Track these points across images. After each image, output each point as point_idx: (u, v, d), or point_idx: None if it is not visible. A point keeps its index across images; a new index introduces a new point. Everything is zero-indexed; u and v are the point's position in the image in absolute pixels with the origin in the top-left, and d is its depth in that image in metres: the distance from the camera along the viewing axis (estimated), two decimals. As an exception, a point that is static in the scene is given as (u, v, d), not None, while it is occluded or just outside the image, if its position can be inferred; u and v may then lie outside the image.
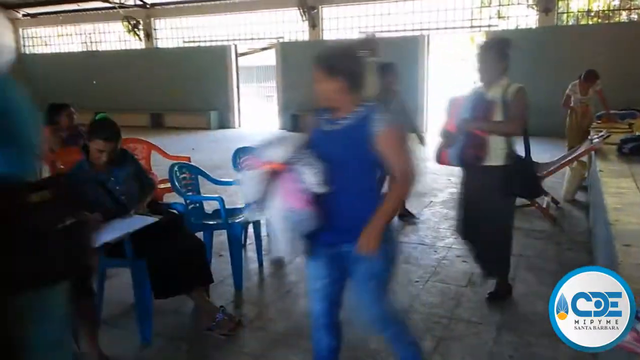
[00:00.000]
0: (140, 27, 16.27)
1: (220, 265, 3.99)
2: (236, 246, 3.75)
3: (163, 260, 2.93)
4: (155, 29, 16.58)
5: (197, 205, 3.98)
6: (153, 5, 15.93)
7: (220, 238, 4.15)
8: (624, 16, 12.17)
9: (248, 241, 4.54)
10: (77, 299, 2.48)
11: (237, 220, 3.83)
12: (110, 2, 15.24)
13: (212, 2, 15.23)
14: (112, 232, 2.83)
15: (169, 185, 4.02)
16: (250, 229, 4.35)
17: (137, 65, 16.26)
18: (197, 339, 3.05)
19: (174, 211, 3.43)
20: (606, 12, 12.32)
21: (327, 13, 14.32)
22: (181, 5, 15.73)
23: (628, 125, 5.68)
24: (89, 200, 3.00)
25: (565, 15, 12.41)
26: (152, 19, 16.40)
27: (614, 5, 12.26)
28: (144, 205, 3.22)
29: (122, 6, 15.50)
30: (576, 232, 4.89)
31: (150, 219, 3.00)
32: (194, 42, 16.15)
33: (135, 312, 3.09)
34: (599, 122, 6.78)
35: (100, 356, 2.55)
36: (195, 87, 15.43)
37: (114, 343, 2.97)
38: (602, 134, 4.97)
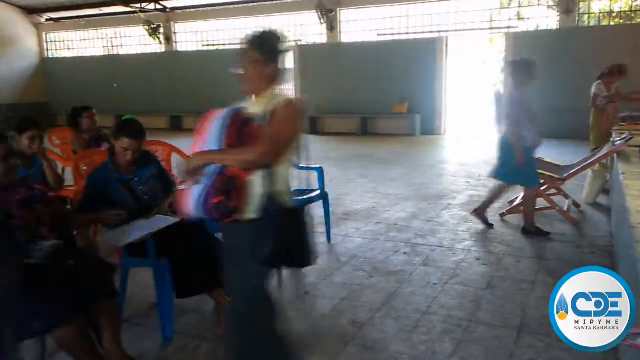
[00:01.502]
0: (161, 30, 16.49)
1: (240, 266, 4.02)
2: (255, 247, 3.78)
3: (184, 260, 2.98)
4: (175, 33, 16.78)
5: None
6: (173, 9, 16.13)
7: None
8: (647, 17, 11.99)
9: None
10: (100, 298, 2.55)
11: (256, 222, 3.85)
12: (131, 7, 15.48)
13: (231, 6, 15.38)
14: (135, 232, 2.89)
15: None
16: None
17: (157, 69, 16.50)
18: (218, 339, 3.08)
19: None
20: (628, 13, 12.13)
21: (345, 16, 14.35)
22: (200, 9, 15.91)
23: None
24: (113, 199, 3.07)
25: (586, 16, 12.25)
26: (171, 22, 16.61)
27: (637, 6, 12.07)
28: (166, 205, 3.28)
29: (142, 10, 15.73)
30: (597, 236, 4.83)
31: (172, 219, 3.05)
32: (213, 45, 16.30)
33: (157, 311, 3.13)
34: (623, 124, 6.67)
35: (122, 355, 2.59)
36: (214, 90, 15.55)
37: (136, 341, 3.02)
38: (624, 136, 4.90)
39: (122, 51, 17.94)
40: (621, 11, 12.21)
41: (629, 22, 11.99)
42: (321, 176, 4.85)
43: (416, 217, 5.51)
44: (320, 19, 14.17)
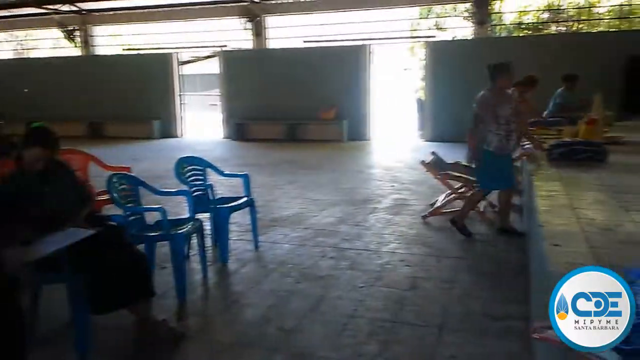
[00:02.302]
0: (78, 33, 15.73)
1: (164, 277, 3.89)
2: (179, 257, 3.68)
3: (102, 274, 2.84)
4: (92, 36, 16.07)
5: (138, 216, 3.88)
6: (89, 11, 15.44)
7: (163, 249, 4.06)
8: (553, 28, 12.94)
9: (191, 252, 4.46)
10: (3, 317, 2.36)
11: (179, 231, 3.76)
12: (44, 8, 14.65)
13: (153, 10, 14.94)
14: (47, 245, 2.72)
15: (108, 196, 3.90)
16: (194, 240, 4.28)
17: (74, 73, 15.67)
18: (139, 355, 2.96)
19: (113, 223, 3.32)
20: (536, 24, 13.04)
21: (271, 22, 14.35)
22: (120, 12, 15.32)
23: (557, 131, 5.98)
24: (23, 212, 2.87)
25: (498, 27, 13.01)
26: (88, 25, 15.89)
27: (543, 18, 12.99)
28: (82, 217, 3.11)
29: (57, 12, 14.93)
30: (512, 234, 5.10)
31: (87, 232, 2.89)
32: (135, 49, 15.76)
33: (72, 330, 2.96)
34: (532, 128, 7.09)
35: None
36: (137, 96, 15.03)
37: (50, 363, 2.84)
38: (533, 140, 5.21)
39: (35, 54, 16.95)
40: (529, 23, 13.10)
41: (537, 34, 12.87)
42: (247, 183, 4.81)
43: (343, 222, 5.58)
44: (246, 24, 14.08)
